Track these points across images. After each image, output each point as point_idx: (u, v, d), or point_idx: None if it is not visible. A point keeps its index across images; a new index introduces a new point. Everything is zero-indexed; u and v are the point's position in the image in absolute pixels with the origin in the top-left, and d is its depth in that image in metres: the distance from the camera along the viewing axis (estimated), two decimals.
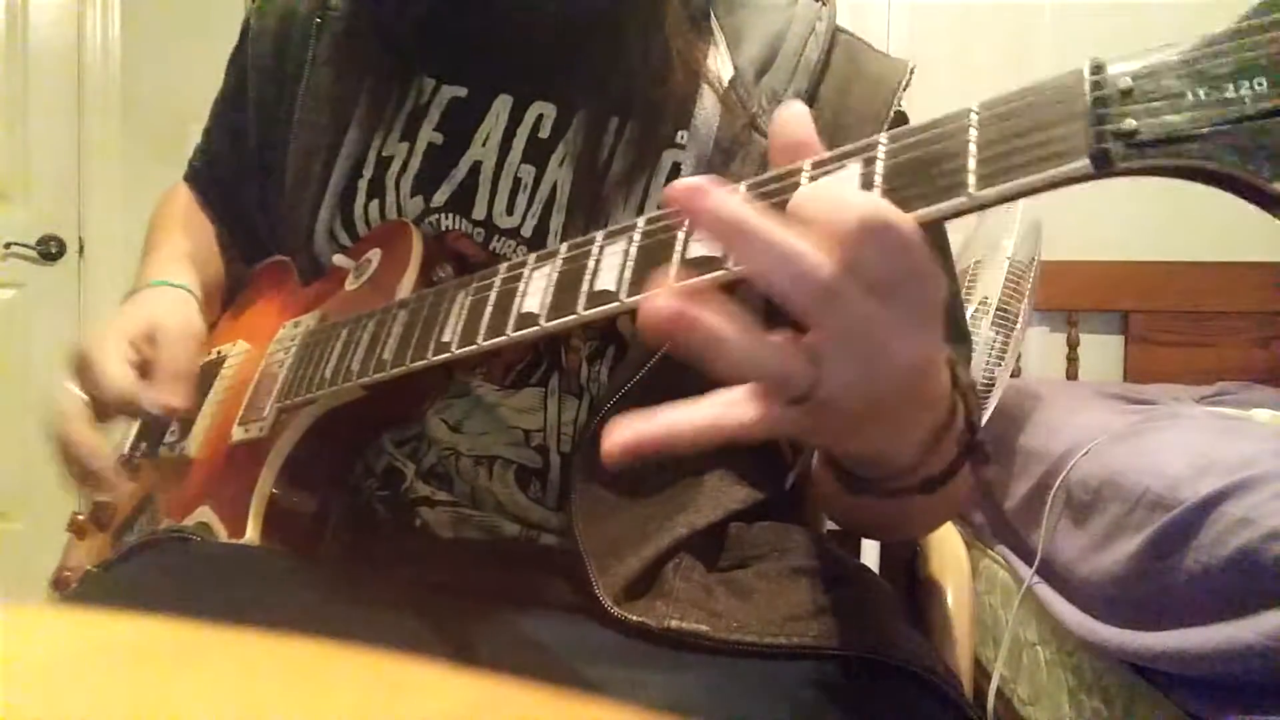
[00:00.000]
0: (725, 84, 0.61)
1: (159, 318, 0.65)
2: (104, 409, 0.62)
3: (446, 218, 0.63)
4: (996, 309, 1.68)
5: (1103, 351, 2.28)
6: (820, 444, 0.43)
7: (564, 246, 0.47)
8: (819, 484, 0.58)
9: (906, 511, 0.51)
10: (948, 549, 0.80)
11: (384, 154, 0.65)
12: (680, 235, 0.41)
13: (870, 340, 0.34)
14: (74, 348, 0.63)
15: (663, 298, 0.35)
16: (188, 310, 0.68)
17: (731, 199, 0.35)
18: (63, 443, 0.61)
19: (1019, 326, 1.69)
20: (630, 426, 0.37)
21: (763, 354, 0.35)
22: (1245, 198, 0.32)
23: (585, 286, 0.44)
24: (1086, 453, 1.41)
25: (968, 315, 1.67)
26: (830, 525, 0.78)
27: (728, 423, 0.37)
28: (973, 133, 0.35)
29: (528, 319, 0.46)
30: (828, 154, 0.38)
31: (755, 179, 0.40)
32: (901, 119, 0.62)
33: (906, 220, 0.34)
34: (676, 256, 0.41)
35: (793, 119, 0.39)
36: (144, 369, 0.62)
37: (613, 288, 0.43)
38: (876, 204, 0.34)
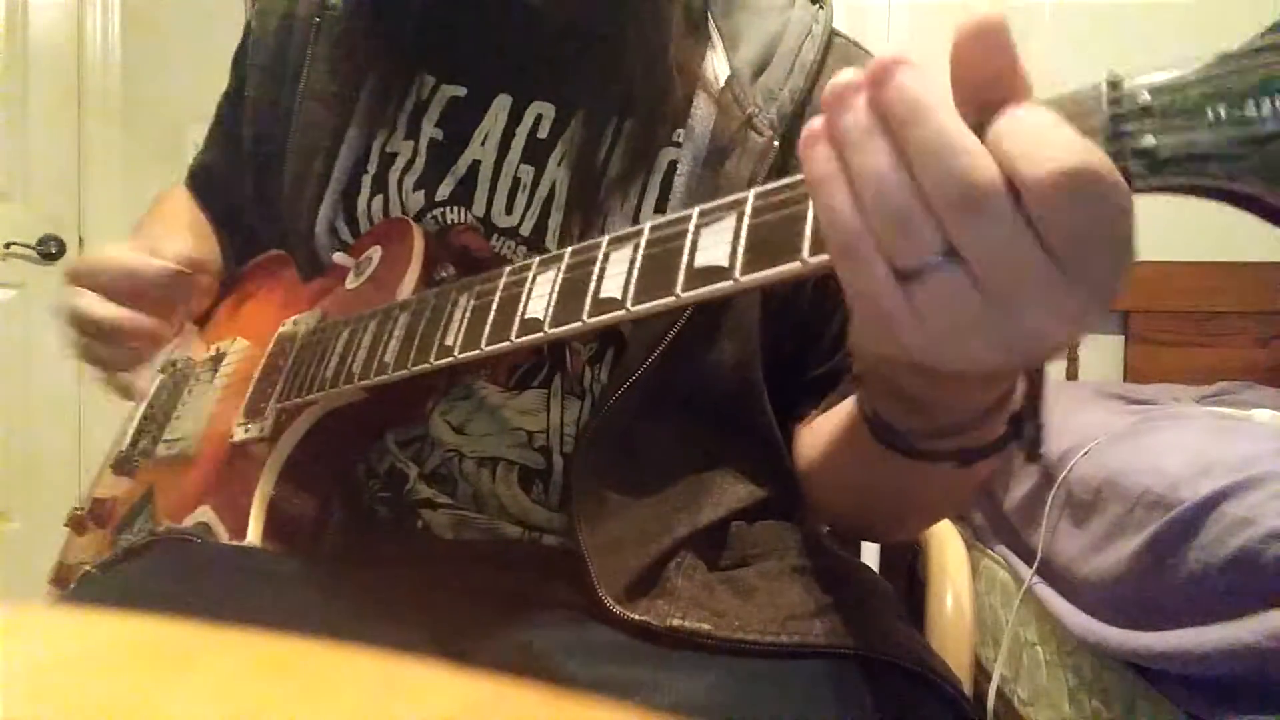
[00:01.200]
0: (721, 84, 0.62)
1: (157, 237, 0.67)
2: (111, 290, 0.63)
3: (451, 211, 0.63)
4: None
5: (1103, 351, 2.28)
6: (894, 360, 0.37)
7: (568, 252, 0.47)
8: (843, 438, 0.56)
9: (924, 485, 0.50)
10: (948, 549, 0.80)
11: (388, 150, 0.65)
12: (687, 243, 0.41)
13: (1019, 295, 0.31)
14: (71, 264, 0.65)
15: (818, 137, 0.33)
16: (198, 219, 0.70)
17: (918, 84, 0.31)
18: (79, 320, 0.62)
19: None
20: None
21: (904, 200, 0.31)
22: (1266, 219, 0.31)
23: (590, 294, 0.44)
24: (1086, 453, 1.41)
25: None
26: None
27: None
28: None
29: (532, 325, 0.46)
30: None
31: (763, 188, 0.40)
32: None
33: (1120, 181, 0.30)
34: (683, 265, 0.40)
35: (990, 24, 0.32)
36: (134, 300, 0.64)
37: (618, 295, 0.42)
38: (1089, 155, 0.30)
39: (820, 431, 0.62)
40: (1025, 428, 0.40)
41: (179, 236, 0.69)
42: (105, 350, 0.64)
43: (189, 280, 0.65)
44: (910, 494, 0.55)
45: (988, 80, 0.32)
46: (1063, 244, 0.30)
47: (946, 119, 0.31)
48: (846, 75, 0.33)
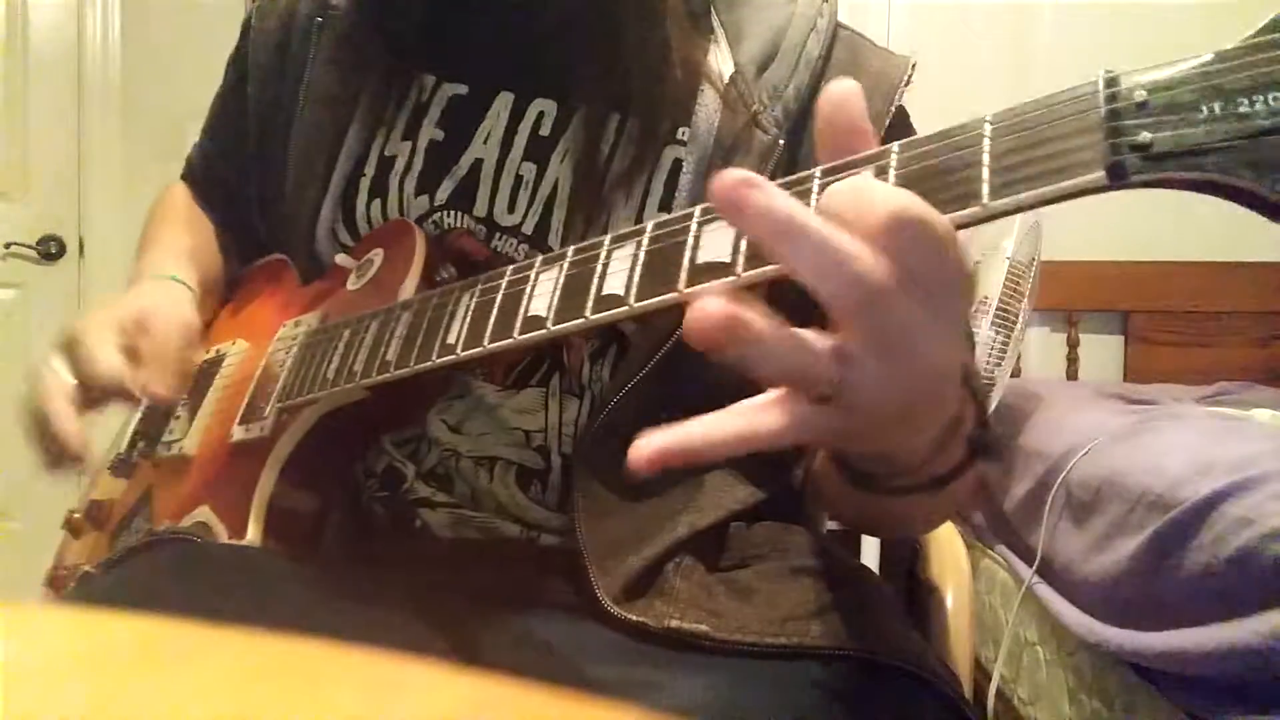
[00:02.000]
0: (726, 80, 0.61)
1: (152, 307, 0.64)
2: (91, 393, 0.61)
3: (449, 215, 0.63)
4: (996, 309, 1.68)
5: (1103, 351, 2.28)
6: (841, 446, 0.42)
7: (571, 250, 0.47)
8: (822, 480, 0.58)
9: (910, 509, 0.51)
10: (948, 549, 0.80)
11: (386, 154, 0.65)
12: (690, 240, 0.41)
13: (905, 341, 0.34)
14: (64, 330, 0.62)
15: (713, 304, 0.34)
16: (182, 302, 0.67)
17: (782, 195, 0.33)
18: (39, 416, 0.60)
19: (1019, 326, 1.69)
20: (662, 439, 0.36)
21: (799, 353, 0.35)
22: (1259, 212, 0.32)
23: (593, 291, 0.44)
24: (1086, 453, 1.41)
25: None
26: (831, 525, 0.78)
27: (758, 431, 0.37)
28: (986, 143, 0.35)
29: (534, 322, 0.46)
30: (839, 161, 0.38)
31: None
32: (902, 115, 0.62)
33: (941, 217, 0.33)
34: (685, 262, 0.41)
35: (846, 98, 0.37)
36: (133, 355, 0.61)
37: (621, 292, 0.43)
38: (910, 199, 0.33)
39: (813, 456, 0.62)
40: (982, 441, 0.43)
41: (172, 304, 0.66)
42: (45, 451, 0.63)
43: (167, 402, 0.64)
44: (902, 513, 0.55)
45: (843, 133, 0.37)
46: (915, 276, 0.33)
47: (810, 225, 0.33)
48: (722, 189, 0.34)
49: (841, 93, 0.37)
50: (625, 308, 0.42)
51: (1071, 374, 2.24)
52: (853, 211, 0.33)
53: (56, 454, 0.61)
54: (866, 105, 0.37)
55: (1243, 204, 0.32)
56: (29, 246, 2.28)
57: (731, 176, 0.33)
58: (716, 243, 0.40)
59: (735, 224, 0.37)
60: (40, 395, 0.61)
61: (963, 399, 0.42)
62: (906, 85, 0.62)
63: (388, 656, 0.22)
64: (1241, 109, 0.31)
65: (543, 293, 0.47)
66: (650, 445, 0.36)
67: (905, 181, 0.36)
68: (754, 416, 0.37)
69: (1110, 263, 2.21)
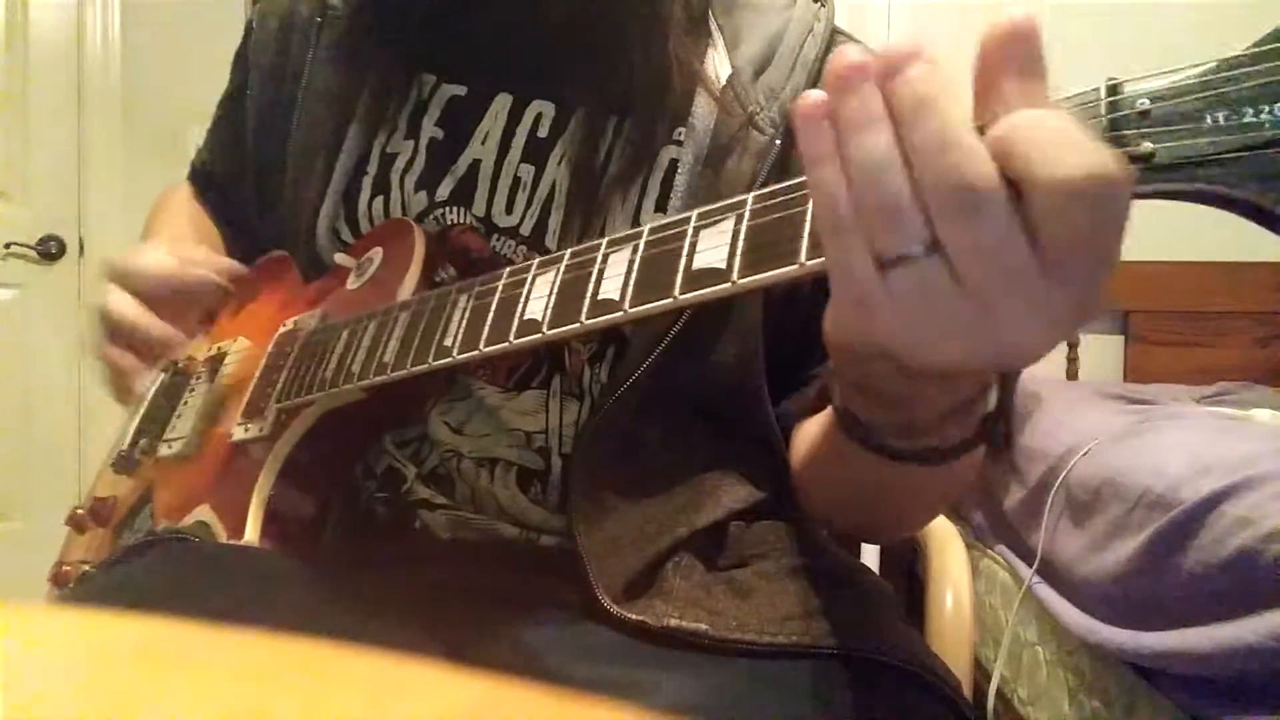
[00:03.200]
0: (723, 83, 0.62)
1: (176, 236, 0.68)
2: (149, 293, 0.64)
3: (451, 211, 0.63)
4: None
5: (1103, 351, 2.28)
6: (865, 350, 0.37)
7: (568, 253, 0.47)
8: (820, 440, 0.57)
9: (896, 484, 0.50)
10: (948, 549, 0.80)
11: (389, 151, 0.65)
12: (686, 246, 0.41)
13: (1001, 297, 0.31)
14: (110, 264, 0.65)
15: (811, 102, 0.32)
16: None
17: (926, 76, 0.31)
18: (113, 324, 0.63)
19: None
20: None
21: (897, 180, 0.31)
22: (1263, 224, 0.32)
23: (588, 295, 0.44)
24: (1086, 453, 1.41)
25: None
26: None
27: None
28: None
29: (530, 326, 0.46)
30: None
31: (763, 191, 0.40)
32: None
33: (1128, 190, 0.30)
34: (681, 268, 0.41)
35: (1022, 25, 0.31)
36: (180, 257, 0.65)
37: (616, 297, 0.43)
38: (1112, 158, 0.29)
39: (805, 434, 0.62)
40: (996, 429, 0.41)
41: (198, 242, 0.71)
42: (125, 356, 0.64)
43: (223, 291, 0.67)
44: (890, 494, 0.55)
45: (1011, 80, 0.31)
46: (1057, 248, 0.30)
47: (952, 117, 0.31)
48: (853, 54, 0.32)
49: (1016, 24, 0.31)
50: (620, 313, 0.42)
51: (1071, 374, 2.24)
52: (1043, 149, 0.29)
53: (147, 355, 0.64)
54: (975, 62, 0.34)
55: (1247, 216, 0.32)
56: (29, 246, 2.28)
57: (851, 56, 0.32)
58: (713, 248, 0.40)
59: (855, 102, 0.32)
60: (108, 299, 0.63)
61: (989, 378, 0.41)
62: None
63: (387, 657, 0.22)
64: (1246, 119, 0.31)
65: (539, 296, 0.47)
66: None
67: None
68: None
69: None
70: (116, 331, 0.63)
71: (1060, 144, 0.29)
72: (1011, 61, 0.31)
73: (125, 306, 0.63)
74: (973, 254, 0.31)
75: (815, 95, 0.33)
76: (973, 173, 0.30)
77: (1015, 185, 0.30)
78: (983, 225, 0.30)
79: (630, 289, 0.42)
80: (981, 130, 0.31)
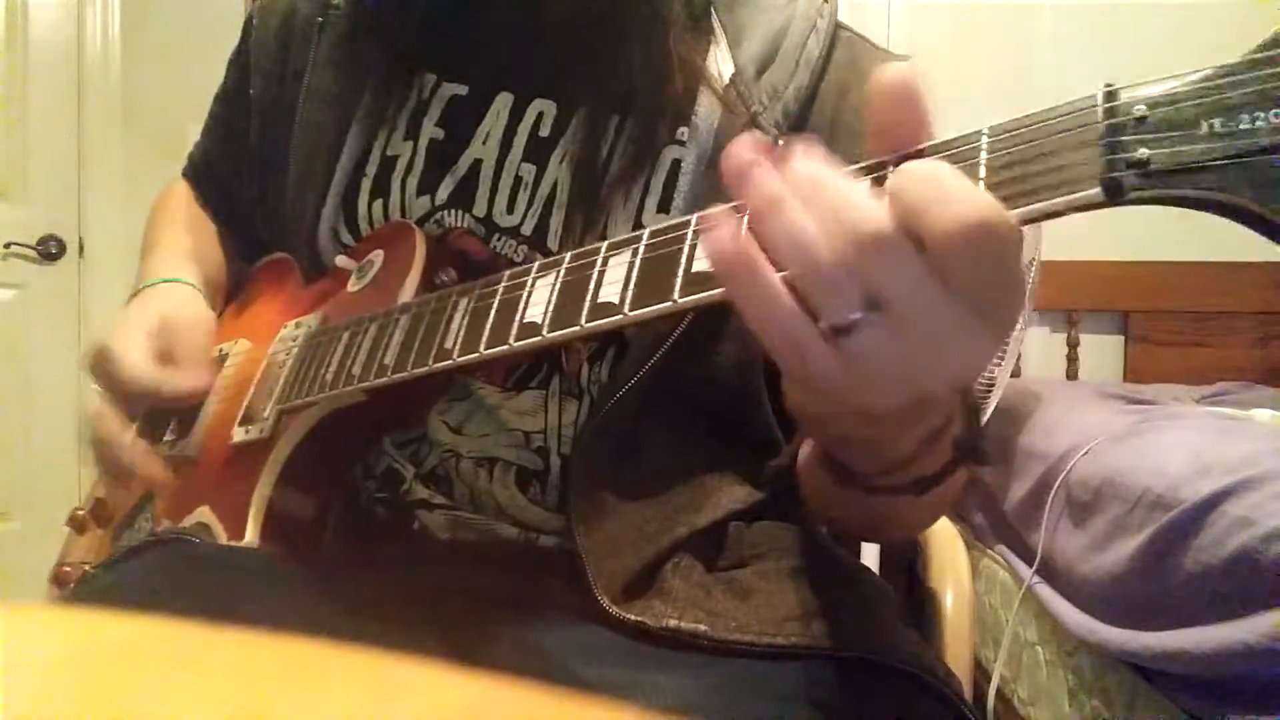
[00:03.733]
0: (726, 81, 0.61)
1: (169, 310, 0.67)
2: (129, 402, 0.64)
3: (450, 214, 0.63)
4: None
5: (1103, 351, 2.28)
6: (830, 411, 0.40)
7: (568, 256, 0.47)
8: (807, 479, 0.58)
9: (893, 510, 0.51)
10: (948, 549, 0.80)
11: (388, 153, 0.65)
12: (685, 249, 0.41)
13: (931, 335, 0.33)
14: (90, 347, 0.65)
15: (726, 238, 0.34)
16: (195, 302, 0.70)
17: (812, 160, 0.34)
18: (96, 443, 0.64)
19: (1019, 326, 1.69)
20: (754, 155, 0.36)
21: (827, 274, 0.34)
22: (1258, 231, 0.32)
23: (588, 298, 0.44)
24: (1086, 453, 1.41)
25: None
26: None
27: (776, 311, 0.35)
28: (983, 155, 0.35)
29: (530, 329, 0.46)
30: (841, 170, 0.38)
31: None
32: None
33: (1014, 226, 0.32)
34: (681, 271, 0.41)
35: (904, 75, 0.35)
36: (165, 359, 0.65)
37: (615, 300, 0.43)
38: (989, 204, 0.32)
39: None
40: (970, 445, 0.43)
41: (187, 305, 0.69)
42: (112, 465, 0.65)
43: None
44: (885, 514, 0.55)
45: (898, 125, 0.36)
46: (964, 283, 0.32)
47: (842, 183, 0.34)
48: (742, 151, 0.35)
49: (899, 74, 0.35)
50: (620, 316, 0.42)
51: (1071, 374, 2.24)
52: (924, 202, 0.32)
53: (117, 471, 0.65)
54: (865, 107, 0.37)
55: (1243, 223, 0.32)
56: (29, 246, 2.28)
57: (745, 142, 0.35)
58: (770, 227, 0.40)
59: (757, 196, 0.35)
60: (92, 422, 0.64)
61: (952, 404, 0.42)
62: None
63: (387, 657, 0.22)
64: (1242, 126, 0.31)
65: (539, 299, 0.47)
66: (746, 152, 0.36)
67: None
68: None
69: (1110, 263, 2.21)
70: (103, 453, 0.64)
71: (939, 195, 0.32)
72: (898, 109, 0.36)
73: (108, 431, 0.64)
74: (894, 296, 0.33)
75: (724, 228, 0.35)
76: (873, 226, 0.33)
77: (914, 234, 0.32)
78: (899, 272, 0.32)
79: (630, 292, 0.42)
80: (875, 176, 0.35)
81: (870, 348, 0.34)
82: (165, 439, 0.71)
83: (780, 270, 0.34)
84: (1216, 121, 0.31)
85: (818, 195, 0.34)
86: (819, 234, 0.33)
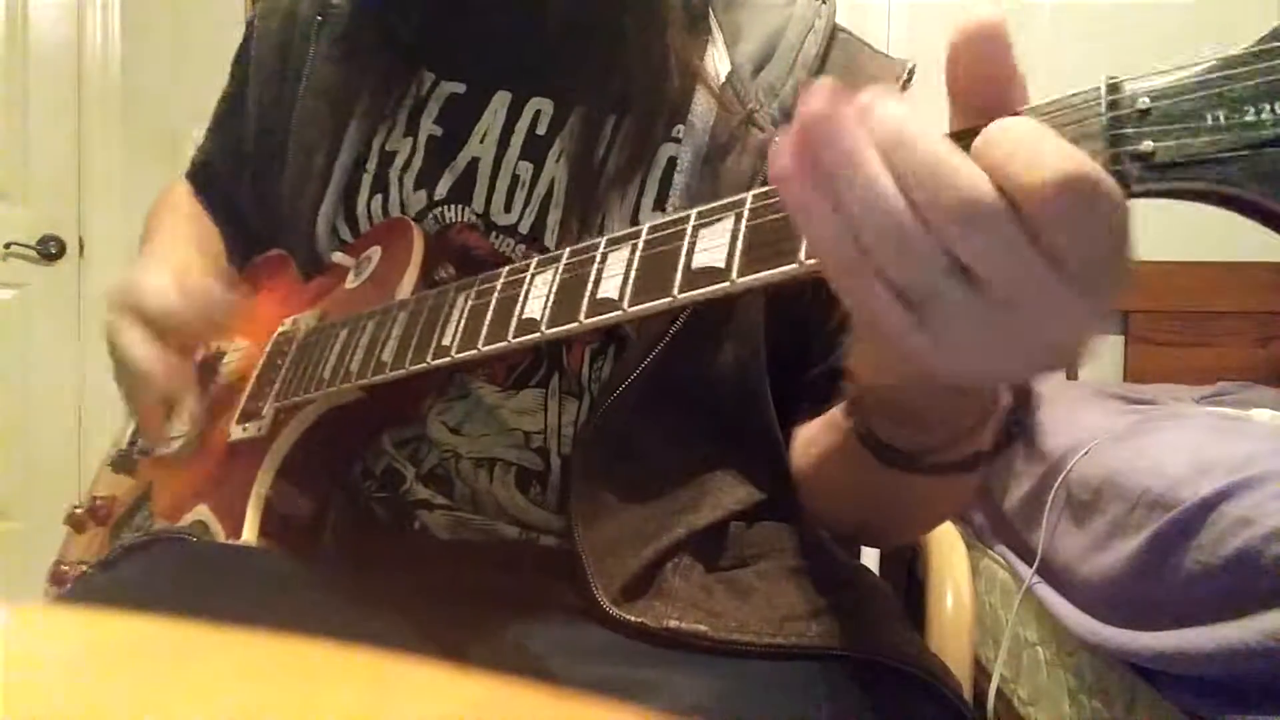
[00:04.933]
0: (722, 80, 0.62)
1: (179, 262, 0.66)
2: (157, 326, 0.61)
3: (450, 209, 0.63)
4: None
5: (1103, 351, 2.28)
6: (905, 382, 0.38)
7: (567, 251, 0.47)
8: (836, 462, 0.57)
9: (922, 496, 0.50)
10: (948, 549, 0.80)
11: (388, 149, 0.65)
12: (685, 244, 0.41)
13: (1025, 307, 0.31)
14: (114, 293, 0.62)
15: (785, 155, 0.32)
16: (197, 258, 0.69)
17: (897, 111, 0.31)
18: (134, 368, 0.60)
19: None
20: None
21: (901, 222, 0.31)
22: (1264, 224, 0.31)
23: (587, 294, 0.44)
24: (1086, 453, 1.41)
25: None
26: None
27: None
28: None
29: (529, 325, 0.46)
30: None
31: (763, 189, 0.40)
32: None
33: (1116, 188, 0.30)
34: (680, 266, 0.41)
35: (991, 24, 0.32)
36: (186, 293, 0.62)
37: (615, 296, 0.43)
38: (1084, 162, 0.29)
39: (810, 440, 0.62)
40: (1020, 430, 0.41)
41: (202, 261, 0.69)
42: (148, 405, 0.62)
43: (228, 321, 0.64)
44: (909, 503, 0.55)
45: (984, 82, 0.32)
46: (1062, 250, 0.30)
47: (933, 139, 0.31)
48: (820, 100, 0.32)
49: (986, 23, 0.32)
50: (619, 312, 0.42)
51: (1071, 374, 2.24)
52: (1018, 160, 0.30)
53: (167, 405, 0.61)
54: (946, 64, 0.34)
55: (1248, 215, 0.31)
56: (29, 246, 2.28)
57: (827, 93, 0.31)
58: (712, 247, 0.40)
59: (843, 144, 0.32)
60: (125, 350, 0.60)
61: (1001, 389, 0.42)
62: (904, 90, 0.62)
63: (387, 657, 0.22)
64: (1247, 118, 0.30)
65: (538, 295, 0.47)
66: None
67: None
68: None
69: None
70: (137, 380, 0.61)
71: (1032, 151, 0.30)
72: (983, 60, 0.32)
73: (144, 359, 0.60)
74: (988, 265, 0.31)
75: (786, 154, 0.33)
76: (966, 185, 0.30)
77: (1007, 196, 0.30)
78: (989, 235, 0.30)
79: (629, 288, 0.42)
80: (962, 138, 0.32)
81: (956, 319, 0.31)
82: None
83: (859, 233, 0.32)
84: (1221, 114, 0.31)
85: (902, 151, 0.31)
86: (902, 194, 0.31)
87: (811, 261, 0.36)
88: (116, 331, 0.61)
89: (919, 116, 0.31)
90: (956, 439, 0.42)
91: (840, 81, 0.32)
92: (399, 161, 0.64)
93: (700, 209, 0.42)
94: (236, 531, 0.57)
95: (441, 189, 0.63)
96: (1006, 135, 0.30)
